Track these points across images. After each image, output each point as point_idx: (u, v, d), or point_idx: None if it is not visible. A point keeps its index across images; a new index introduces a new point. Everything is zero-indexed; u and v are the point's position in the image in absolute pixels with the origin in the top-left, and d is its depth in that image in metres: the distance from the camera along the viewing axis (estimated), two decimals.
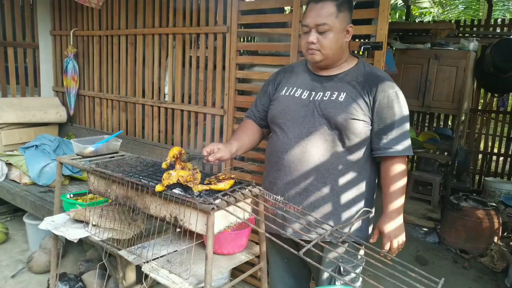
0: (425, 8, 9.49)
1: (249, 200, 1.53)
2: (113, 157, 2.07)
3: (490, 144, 5.78)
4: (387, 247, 1.62)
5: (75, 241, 1.72)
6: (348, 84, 1.63)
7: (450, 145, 5.11)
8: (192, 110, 3.11)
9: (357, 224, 1.67)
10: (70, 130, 4.13)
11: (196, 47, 3.06)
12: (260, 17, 2.64)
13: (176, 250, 1.65)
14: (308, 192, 1.65)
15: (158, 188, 1.45)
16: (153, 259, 1.58)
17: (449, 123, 6.22)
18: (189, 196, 1.42)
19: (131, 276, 2.35)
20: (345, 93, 1.61)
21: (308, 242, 1.21)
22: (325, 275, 1.67)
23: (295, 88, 1.72)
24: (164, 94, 3.34)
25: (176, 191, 1.48)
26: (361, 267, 1.68)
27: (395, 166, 1.62)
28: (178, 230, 1.78)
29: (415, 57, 5.05)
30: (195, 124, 3.12)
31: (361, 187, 1.67)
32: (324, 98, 1.62)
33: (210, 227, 1.34)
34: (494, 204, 3.98)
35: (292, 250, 1.17)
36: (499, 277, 3.30)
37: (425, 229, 4.28)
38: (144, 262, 1.58)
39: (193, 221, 1.40)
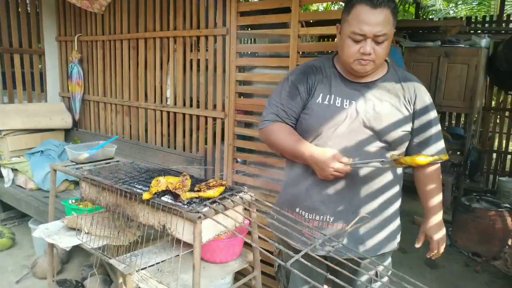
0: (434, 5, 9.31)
1: (240, 208, 1.49)
2: (108, 163, 2.05)
3: (504, 143, 5.61)
4: (435, 251, 1.63)
5: (67, 249, 1.70)
6: (388, 92, 1.51)
7: (462, 144, 4.97)
8: (194, 114, 3.08)
9: (386, 233, 1.60)
10: (75, 134, 4.16)
11: (196, 50, 3.04)
12: (259, 18, 2.60)
13: (165, 260, 1.61)
14: (357, 208, 1.53)
15: (146, 196, 1.42)
16: (143, 268, 1.54)
17: (461, 122, 6.06)
18: (177, 204, 1.39)
19: (131, 282, 2.33)
20: (387, 103, 1.49)
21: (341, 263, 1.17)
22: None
23: (333, 96, 1.51)
24: (166, 98, 3.33)
25: (165, 198, 1.44)
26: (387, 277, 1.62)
27: (435, 170, 1.59)
28: (170, 238, 1.75)
29: (425, 55, 4.93)
30: (196, 127, 3.09)
31: (400, 198, 1.63)
32: (369, 108, 1.48)
33: (197, 236, 1.31)
34: (508, 205, 3.85)
35: (296, 271, 1.09)
36: None
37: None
38: (136, 271, 1.56)
39: (180, 229, 1.36)
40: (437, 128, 1.55)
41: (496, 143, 5.66)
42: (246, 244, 1.83)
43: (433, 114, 1.54)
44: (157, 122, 3.41)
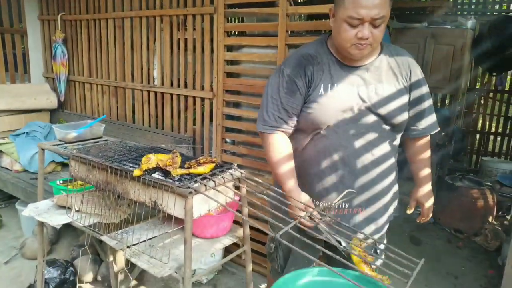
0: None
1: (231, 184, 1.51)
2: (97, 142, 2.04)
3: (487, 123, 5.73)
4: (425, 216, 1.76)
5: (58, 227, 1.70)
6: (386, 72, 1.51)
7: (447, 125, 5.05)
8: (182, 94, 3.06)
9: (394, 204, 1.70)
10: (61, 116, 4.10)
11: (183, 29, 3.00)
12: None
13: (156, 236, 1.63)
14: (371, 191, 1.57)
15: (136, 172, 1.43)
16: (135, 244, 1.56)
17: (446, 102, 6.15)
18: (168, 180, 1.40)
19: (121, 260, 2.35)
20: (387, 83, 1.50)
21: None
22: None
23: (335, 85, 1.47)
24: (153, 78, 3.29)
25: (155, 175, 1.45)
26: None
27: (427, 142, 1.66)
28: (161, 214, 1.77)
29: (412, 36, 4.94)
30: (184, 108, 3.08)
31: (396, 169, 1.66)
32: (371, 93, 1.48)
33: (188, 211, 1.33)
34: (489, 184, 3.96)
35: (293, 247, 1.14)
36: (492, 256, 3.30)
37: (419, 209, 4.25)
38: (127, 247, 1.57)
39: (171, 205, 1.38)
40: (430, 101, 1.60)
41: (479, 124, 5.78)
42: (236, 222, 1.86)
43: (425, 88, 1.58)
44: (144, 102, 3.38)
